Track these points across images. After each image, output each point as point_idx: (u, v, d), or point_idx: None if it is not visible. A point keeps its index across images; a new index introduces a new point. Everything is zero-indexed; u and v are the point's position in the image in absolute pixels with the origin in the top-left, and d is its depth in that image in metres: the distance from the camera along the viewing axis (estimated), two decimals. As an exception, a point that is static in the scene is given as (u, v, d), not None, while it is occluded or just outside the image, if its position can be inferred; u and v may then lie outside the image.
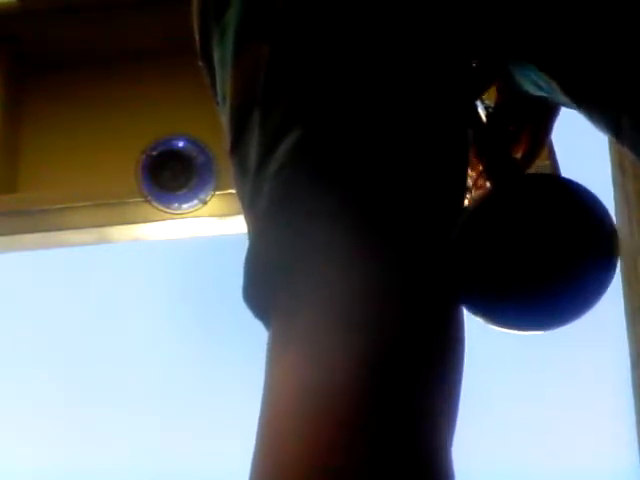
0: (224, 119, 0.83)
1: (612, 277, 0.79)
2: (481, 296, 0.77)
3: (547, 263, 0.75)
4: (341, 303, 0.68)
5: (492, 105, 0.92)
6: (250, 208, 0.77)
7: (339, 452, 0.62)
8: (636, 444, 2.14)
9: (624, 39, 0.76)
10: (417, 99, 0.75)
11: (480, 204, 0.80)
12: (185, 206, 2.45)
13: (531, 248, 0.75)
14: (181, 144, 2.48)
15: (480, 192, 0.83)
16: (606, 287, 0.79)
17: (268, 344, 0.72)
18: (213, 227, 2.51)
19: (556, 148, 0.99)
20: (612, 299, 2.24)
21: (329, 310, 0.68)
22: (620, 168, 2.28)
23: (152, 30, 2.52)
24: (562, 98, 0.82)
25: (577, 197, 0.79)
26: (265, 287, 0.73)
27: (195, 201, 2.44)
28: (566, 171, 0.91)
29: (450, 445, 0.68)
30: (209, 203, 2.44)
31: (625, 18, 0.76)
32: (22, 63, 2.66)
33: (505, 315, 0.78)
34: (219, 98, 0.84)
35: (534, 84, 0.84)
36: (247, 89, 0.78)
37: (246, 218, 0.78)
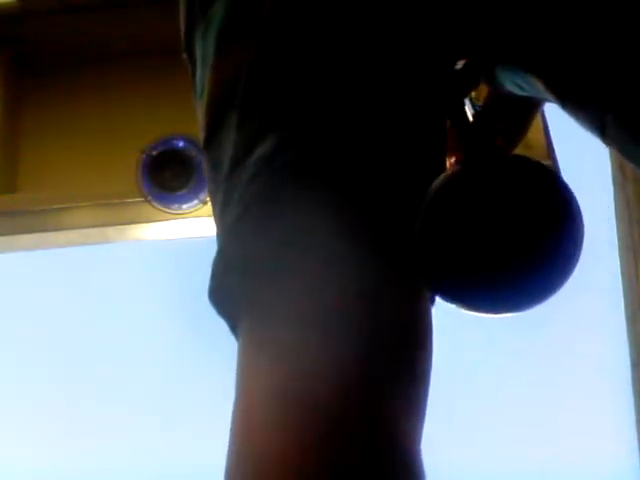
0: (200, 113, 0.83)
1: (580, 252, 0.79)
2: (449, 280, 0.76)
3: (511, 240, 0.75)
4: (313, 304, 0.68)
5: (480, 105, 0.92)
6: (222, 212, 0.76)
7: (310, 457, 0.62)
8: (636, 444, 2.14)
9: (608, 38, 0.76)
10: (400, 108, 0.75)
11: (441, 186, 0.79)
12: (185, 206, 2.45)
13: (495, 225, 0.75)
14: (181, 144, 2.48)
15: (442, 175, 0.82)
16: (575, 263, 0.78)
17: (239, 347, 0.71)
18: (213, 227, 2.50)
19: (556, 148, 0.99)
20: (612, 299, 2.24)
21: (301, 311, 0.68)
22: (620, 169, 2.28)
23: (152, 30, 2.52)
24: (547, 97, 0.82)
25: (540, 174, 0.79)
26: (233, 290, 0.73)
27: (195, 201, 2.45)
28: (566, 171, 0.91)
29: (419, 441, 0.67)
30: (209, 203, 2.44)
31: (610, 16, 0.76)
32: (22, 63, 2.66)
33: (475, 298, 0.77)
34: (198, 90, 0.84)
35: (517, 86, 0.84)
36: (226, 90, 0.77)
37: (216, 220, 0.78)
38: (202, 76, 0.82)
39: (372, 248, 0.70)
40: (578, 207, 0.79)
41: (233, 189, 0.74)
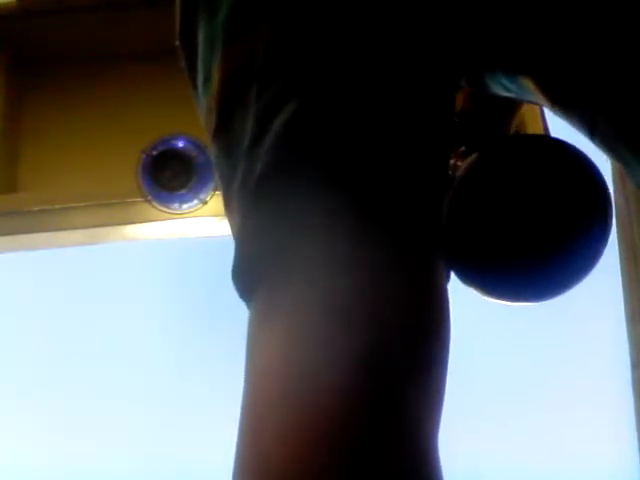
0: (204, 102, 0.80)
1: (607, 240, 0.77)
2: (474, 266, 0.75)
3: (540, 224, 0.73)
4: (325, 281, 0.67)
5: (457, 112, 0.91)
6: (242, 187, 0.74)
7: (322, 448, 0.60)
8: (636, 444, 2.14)
9: (601, 41, 0.76)
10: (413, 79, 0.74)
11: (469, 170, 0.77)
12: (185, 206, 2.45)
13: (522, 208, 0.73)
14: (181, 144, 2.48)
15: (467, 160, 0.80)
16: (601, 251, 0.77)
17: (250, 322, 0.70)
18: (213, 227, 2.51)
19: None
20: (612, 299, 2.24)
21: (313, 289, 0.66)
22: (620, 170, 2.28)
23: (152, 30, 2.52)
24: (534, 98, 0.81)
25: (568, 156, 0.78)
26: (252, 266, 0.71)
27: (195, 201, 2.45)
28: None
29: (437, 440, 0.65)
30: (209, 203, 2.44)
31: (602, 19, 0.76)
32: (22, 63, 2.66)
33: (500, 285, 0.76)
34: (200, 79, 0.82)
35: (503, 87, 0.83)
36: (245, 66, 0.76)
37: (238, 200, 0.76)
38: (207, 62, 0.80)
39: (385, 231, 0.69)
40: (607, 189, 0.77)
41: (254, 162, 0.72)
